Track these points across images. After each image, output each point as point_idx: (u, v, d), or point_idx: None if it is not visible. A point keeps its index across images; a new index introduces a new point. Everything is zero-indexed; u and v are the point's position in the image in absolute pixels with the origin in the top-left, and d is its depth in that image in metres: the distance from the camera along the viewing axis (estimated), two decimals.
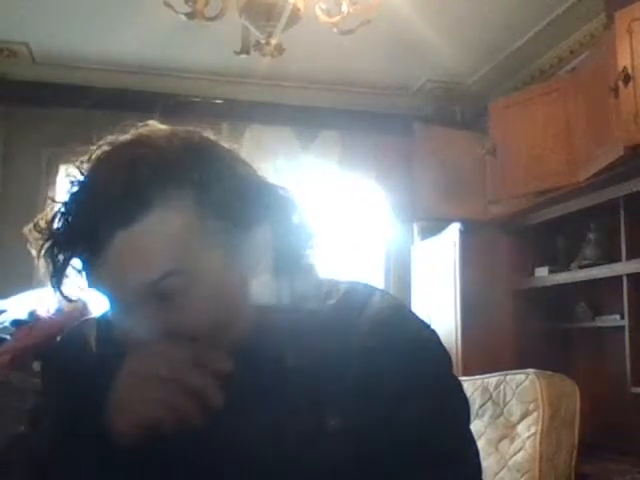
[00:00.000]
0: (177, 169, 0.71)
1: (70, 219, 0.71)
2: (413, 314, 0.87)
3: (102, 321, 0.87)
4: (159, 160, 0.71)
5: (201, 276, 0.72)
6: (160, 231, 0.70)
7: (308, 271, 0.83)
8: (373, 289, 0.87)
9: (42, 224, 0.74)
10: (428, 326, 0.86)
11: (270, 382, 0.78)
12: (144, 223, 0.69)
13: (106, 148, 0.75)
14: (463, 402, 0.85)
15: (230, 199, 0.73)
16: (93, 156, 0.75)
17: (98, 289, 0.73)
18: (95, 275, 0.71)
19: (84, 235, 0.69)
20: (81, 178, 0.74)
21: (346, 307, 0.82)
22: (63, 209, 0.73)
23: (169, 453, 0.75)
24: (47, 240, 0.73)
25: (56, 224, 0.73)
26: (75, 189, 0.73)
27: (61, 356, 0.87)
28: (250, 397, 0.77)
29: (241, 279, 0.76)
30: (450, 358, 0.87)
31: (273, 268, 0.78)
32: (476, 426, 2.41)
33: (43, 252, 0.74)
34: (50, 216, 0.74)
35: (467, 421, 0.85)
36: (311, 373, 0.77)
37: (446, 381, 0.84)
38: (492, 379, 2.48)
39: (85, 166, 0.75)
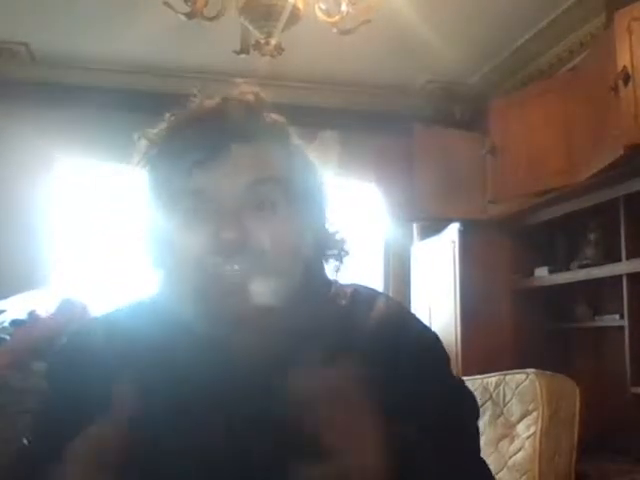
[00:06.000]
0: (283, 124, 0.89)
1: (190, 131, 0.83)
2: (415, 317, 0.90)
3: (106, 321, 0.89)
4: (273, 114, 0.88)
5: (290, 196, 0.83)
6: (269, 150, 0.85)
7: (322, 269, 0.88)
8: (376, 292, 0.91)
9: (152, 136, 0.86)
10: (430, 329, 0.90)
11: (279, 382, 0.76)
12: (260, 142, 0.84)
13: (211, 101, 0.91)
14: (473, 400, 0.91)
15: (311, 172, 0.90)
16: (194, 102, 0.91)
17: (201, 195, 0.81)
18: (205, 179, 0.80)
19: (205, 143, 0.81)
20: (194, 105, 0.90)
21: (354, 309, 0.85)
22: (178, 125, 0.86)
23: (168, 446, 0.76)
24: (156, 146, 0.85)
25: (170, 135, 0.85)
26: (190, 113, 0.89)
27: (68, 361, 0.86)
28: (256, 393, 0.77)
29: (303, 238, 0.84)
30: (450, 360, 0.91)
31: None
32: None
33: (150, 156, 0.85)
34: (165, 127, 0.87)
35: (476, 416, 0.90)
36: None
37: (451, 379, 0.89)
38: (492, 379, 2.48)
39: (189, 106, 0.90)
